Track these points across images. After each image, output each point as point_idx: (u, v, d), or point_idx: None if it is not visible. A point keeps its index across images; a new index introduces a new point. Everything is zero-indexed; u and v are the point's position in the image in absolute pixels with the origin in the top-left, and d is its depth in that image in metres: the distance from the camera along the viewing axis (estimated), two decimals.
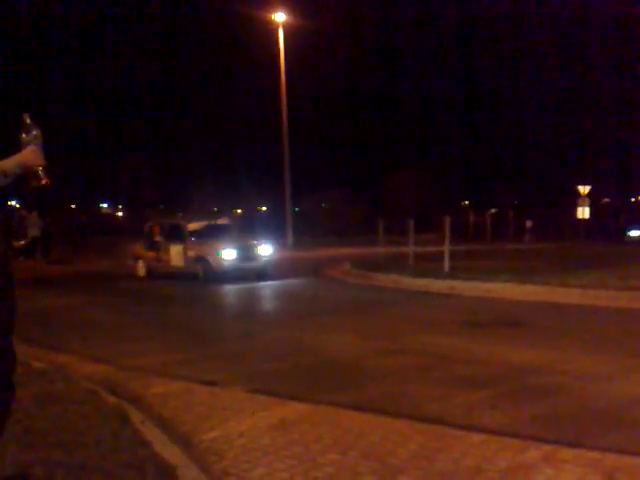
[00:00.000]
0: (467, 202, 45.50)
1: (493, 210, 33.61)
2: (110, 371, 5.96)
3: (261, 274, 14.01)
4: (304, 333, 7.95)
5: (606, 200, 45.58)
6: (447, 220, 13.05)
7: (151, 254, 14.91)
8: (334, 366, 6.04)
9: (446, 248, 12.64)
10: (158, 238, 14.72)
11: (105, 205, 56.39)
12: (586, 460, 3.48)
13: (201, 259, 13.75)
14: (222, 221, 15.74)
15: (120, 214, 55.95)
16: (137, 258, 15.47)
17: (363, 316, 9.08)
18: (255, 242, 14.43)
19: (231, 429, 4.12)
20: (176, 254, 14.23)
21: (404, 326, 8.09)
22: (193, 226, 14.66)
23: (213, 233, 14.46)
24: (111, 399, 4.65)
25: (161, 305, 11.12)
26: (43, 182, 2.70)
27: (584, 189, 28.99)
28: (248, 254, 13.86)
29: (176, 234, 14.40)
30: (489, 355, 6.20)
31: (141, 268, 15.26)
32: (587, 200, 28.82)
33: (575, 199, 29.19)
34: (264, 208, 52.62)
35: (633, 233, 26.92)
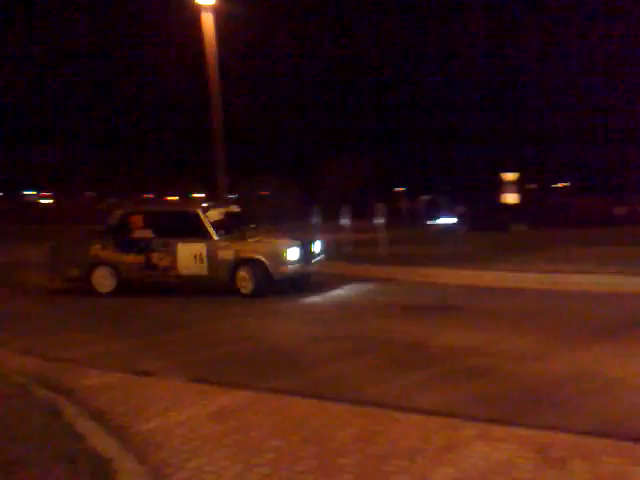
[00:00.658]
0: (402, 188, 46.26)
1: (426, 197, 34.24)
2: (41, 364, 5.78)
3: (304, 281, 10.41)
4: (245, 320, 7.93)
5: (532, 186, 47.28)
6: (381, 207, 13.25)
7: (131, 258, 10.29)
8: (273, 353, 6.04)
9: (381, 234, 12.83)
10: (146, 233, 10.40)
11: (31, 192, 54.09)
12: (519, 437, 3.62)
13: (248, 262, 9.71)
14: (237, 209, 11.51)
15: (46, 201, 53.87)
16: (95, 264, 10.40)
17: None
18: (313, 237, 10.92)
19: (170, 419, 4.07)
20: (190, 256, 9.99)
21: (342, 312, 8.17)
22: (213, 215, 10.34)
23: (241, 225, 10.77)
24: (42, 392, 4.51)
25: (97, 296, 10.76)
26: None
27: (509, 176, 30.05)
28: (309, 253, 10.24)
29: (187, 227, 10.14)
30: (425, 338, 6.34)
31: (105, 279, 10.35)
32: (512, 187, 29.92)
33: (501, 186, 30.19)
34: (201, 195, 51.88)
35: (440, 221, 26.41)
